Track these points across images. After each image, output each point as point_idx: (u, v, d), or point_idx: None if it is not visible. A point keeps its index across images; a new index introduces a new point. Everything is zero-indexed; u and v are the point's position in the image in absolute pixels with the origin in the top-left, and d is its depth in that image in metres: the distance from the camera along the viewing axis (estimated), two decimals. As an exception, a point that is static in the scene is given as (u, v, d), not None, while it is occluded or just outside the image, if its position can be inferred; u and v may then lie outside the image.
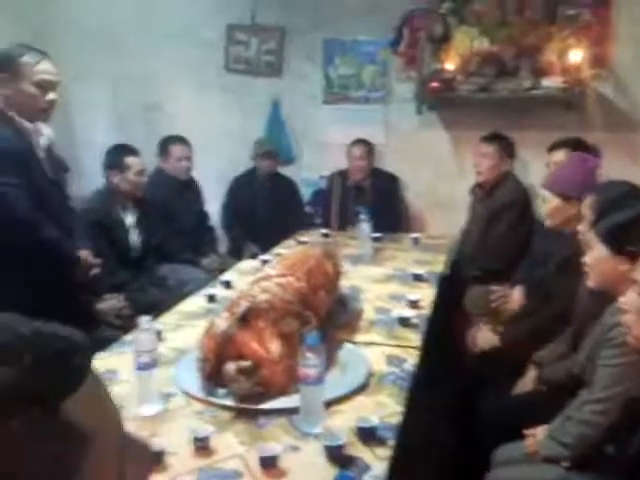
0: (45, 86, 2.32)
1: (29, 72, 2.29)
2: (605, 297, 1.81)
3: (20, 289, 2.17)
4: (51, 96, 2.34)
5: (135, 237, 3.37)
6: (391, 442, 1.51)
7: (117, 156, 3.33)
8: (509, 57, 3.97)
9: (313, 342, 1.56)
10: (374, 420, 1.55)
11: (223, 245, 4.31)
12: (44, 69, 2.33)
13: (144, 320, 1.69)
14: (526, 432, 1.91)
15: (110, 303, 2.96)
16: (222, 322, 1.79)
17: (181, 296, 2.74)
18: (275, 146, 4.25)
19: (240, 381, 1.68)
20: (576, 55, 3.73)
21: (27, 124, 2.33)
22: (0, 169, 2.19)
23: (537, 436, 1.87)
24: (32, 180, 2.28)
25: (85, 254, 2.53)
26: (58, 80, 2.39)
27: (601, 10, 3.80)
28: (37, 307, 2.02)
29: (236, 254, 3.98)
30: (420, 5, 3.98)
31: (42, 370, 0.51)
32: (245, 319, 1.77)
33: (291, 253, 2.40)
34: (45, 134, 2.42)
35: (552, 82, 3.82)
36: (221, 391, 1.72)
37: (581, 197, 2.19)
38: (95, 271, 2.57)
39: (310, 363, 1.53)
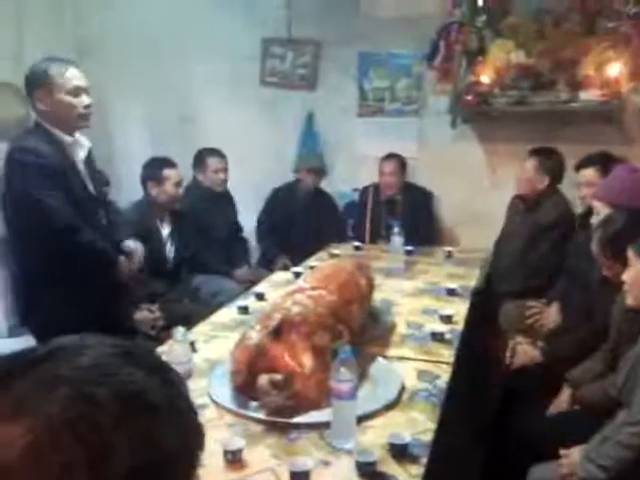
0: (78, 92, 2.37)
1: (60, 82, 2.34)
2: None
3: (63, 297, 2.21)
4: (86, 100, 2.40)
5: (170, 248, 3.42)
6: (423, 460, 1.50)
7: (155, 168, 3.39)
8: (545, 70, 3.93)
9: (346, 356, 1.56)
10: (406, 437, 1.53)
11: (255, 257, 4.34)
12: (73, 75, 2.38)
13: (179, 331, 1.71)
14: (562, 452, 1.88)
15: (145, 313, 2.99)
16: (255, 334, 1.80)
17: (214, 307, 2.77)
18: (321, 162, 4.27)
19: (272, 394, 1.68)
20: (614, 68, 3.68)
21: (67, 137, 2.38)
22: (40, 183, 2.25)
23: (573, 456, 1.84)
24: (73, 193, 2.33)
25: (132, 245, 2.58)
26: (88, 85, 2.44)
27: (636, 21, 3.74)
28: (80, 315, 2.08)
29: (268, 266, 4.01)
30: (455, 19, 3.97)
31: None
32: (278, 332, 1.77)
33: (324, 266, 2.41)
34: (85, 146, 2.47)
35: (590, 95, 3.76)
36: (253, 404, 1.72)
37: (631, 205, 2.15)
38: (138, 265, 2.61)
39: (343, 378, 1.53)
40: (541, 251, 3.34)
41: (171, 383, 0.57)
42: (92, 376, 0.51)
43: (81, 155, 2.43)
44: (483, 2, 3.95)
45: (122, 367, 0.54)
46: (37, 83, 2.35)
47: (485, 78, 3.95)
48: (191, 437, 0.56)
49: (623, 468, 1.67)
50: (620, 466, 1.67)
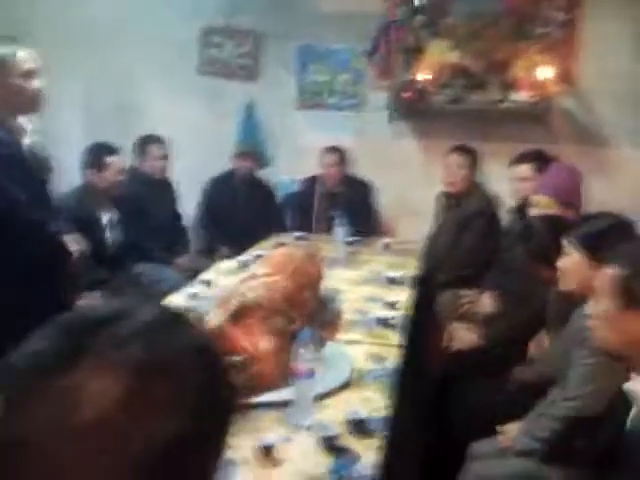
0: (29, 75, 2.27)
1: (10, 65, 2.23)
2: (573, 300, 1.92)
3: (15, 286, 2.16)
4: (37, 84, 2.29)
5: (111, 235, 3.37)
6: (379, 433, 1.58)
7: (96, 155, 3.33)
8: (479, 70, 4.11)
9: (306, 338, 1.63)
10: (363, 413, 1.62)
11: (194, 245, 4.33)
12: (24, 57, 2.27)
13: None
14: (500, 428, 2.02)
15: (87, 301, 2.95)
16: (213, 318, 1.84)
17: (156, 294, 2.76)
18: (258, 149, 4.30)
19: (232, 375, 1.72)
20: (543, 71, 3.90)
21: (15, 122, 2.30)
22: (4, 175, 2.16)
23: (510, 431, 1.98)
24: (28, 182, 2.26)
25: (70, 239, 2.53)
26: (39, 67, 2.33)
27: (568, 28, 3.97)
28: (25, 301, 2.04)
29: (208, 254, 4.01)
30: (395, 17, 4.08)
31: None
32: (236, 315, 1.82)
33: (275, 253, 2.46)
34: (28, 131, 2.39)
35: (520, 96, 3.97)
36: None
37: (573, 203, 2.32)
38: (78, 253, 2.57)
39: (304, 358, 1.60)
40: (467, 243, 3.53)
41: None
42: (160, 331, 0.57)
43: (27, 140, 2.37)
44: (422, 2, 4.09)
45: (181, 324, 0.61)
46: None
47: (422, 76, 4.10)
48: (230, 389, 0.62)
49: (555, 439, 1.81)
50: (553, 437, 1.82)
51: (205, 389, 0.57)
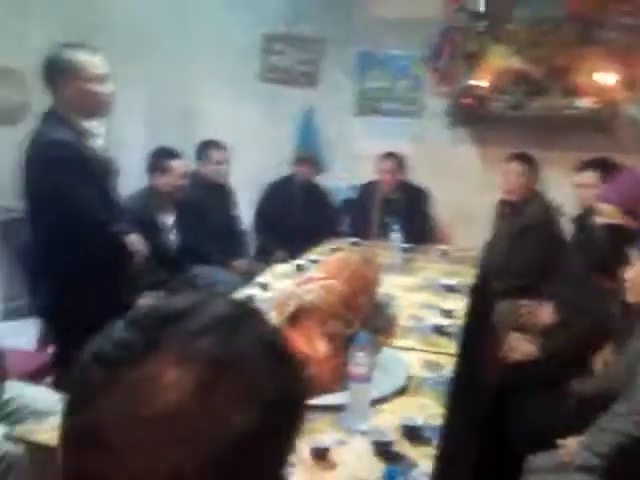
0: (103, 80, 2.37)
1: (86, 70, 2.33)
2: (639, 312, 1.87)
3: (81, 285, 2.25)
4: (108, 88, 2.39)
5: (173, 238, 3.45)
6: (435, 441, 1.57)
7: (160, 159, 3.42)
8: (541, 76, 4.04)
9: (363, 342, 1.63)
10: (419, 420, 1.61)
11: (251, 249, 4.39)
12: (99, 63, 2.37)
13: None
14: (559, 442, 1.96)
15: (149, 301, 3.03)
16: (270, 320, 1.86)
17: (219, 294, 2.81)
18: (316, 154, 4.33)
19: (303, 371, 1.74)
20: (608, 77, 3.79)
21: (87, 126, 2.39)
22: (75, 179, 2.26)
23: (570, 446, 1.92)
24: (99, 184, 2.35)
25: (133, 240, 2.60)
26: (109, 72, 2.43)
27: (635, 34, 3.86)
28: (91, 301, 2.11)
29: (264, 258, 4.06)
30: (457, 23, 4.05)
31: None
32: (294, 318, 1.83)
33: (332, 257, 2.47)
34: (100, 134, 2.48)
35: (583, 102, 3.88)
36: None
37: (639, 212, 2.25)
38: (140, 255, 2.65)
39: (360, 362, 1.60)
40: (526, 251, 3.46)
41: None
42: (233, 324, 0.58)
43: (98, 143, 2.45)
44: (484, 8, 4.05)
45: (253, 318, 0.62)
46: (61, 70, 2.33)
47: (483, 82, 4.05)
48: (301, 384, 0.63)
49: (618, 455, 1.76)
50: (615, 453, 1.76)
51: (276, 383, 0.58)
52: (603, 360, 2.26)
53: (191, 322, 0.57)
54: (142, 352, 0.54)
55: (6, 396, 2.01)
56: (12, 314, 3.87)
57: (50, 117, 2.36)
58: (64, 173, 2.24)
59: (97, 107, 2.39)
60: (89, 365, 0.55)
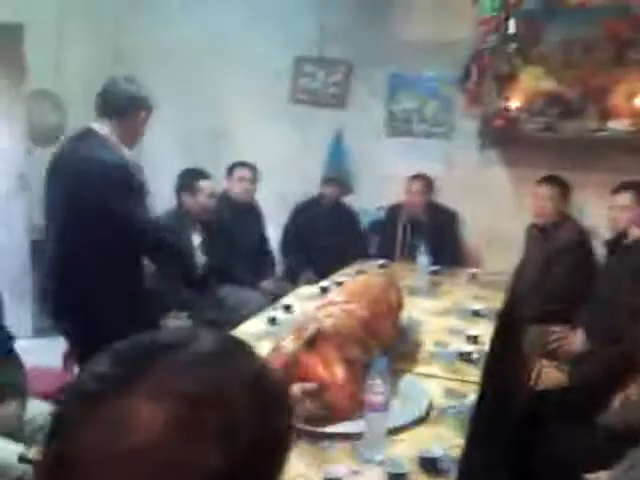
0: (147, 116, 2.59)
1: (145, 104, 2.59)
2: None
3: (116, 303, 2.31)
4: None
5: (200, 258, 3.47)
6: (453, 474, 1.52)
7: (189, 179, 3.46)
8: (575, 97, 3.97)
9: (381, 368, 1.59)
10: (438, 451, 1.56)
11: (279, 269, 4.39)
12: (151, 99, 2.61)
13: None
14: (588, 476, 1.89)
15: (174, 321, 3.05)
16: (289, 343, 1.84)
17: (240, 317, 2.81)
18: (340, 174, 4.33)
19: (305, 403, 1.72)
20: (644, 98, 3.71)
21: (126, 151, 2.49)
22: (131, 199, 2.39)
23: (598, 480, 1.85)
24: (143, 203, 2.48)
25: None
26: None
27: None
28: (118, 319, 2.15)
29: (292, 279, 4.06)
30: (488, 45, 4.02)
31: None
32: (312, 342, 1.81)
33: (355, 281, 2.45)
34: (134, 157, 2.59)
35: (618, 125, 3.80)
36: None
37: None
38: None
39: (377, 389, 1.56)
40: (557, 276, 3.39)
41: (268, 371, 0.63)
42: (215, 361, 0.58)
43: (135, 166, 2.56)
44: (515, 30, 4.01)
45: (238, 355, 0.62)
46: (133, 103, 2.54)
47: (514, 103, 4.01)
48: (285, 422, 0.62)
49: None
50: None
51: (256, 421, 0.57)
52: (624, 394, 2.18)
53: (173, 358, 0.56)
54: (121, 386, 0.54)
55: (28, 416, 2.03)
56: (42, 332, 3.93)
57: (100, 140, 2.45)
58: (127, 193, 2.37)
59: (138, 137, 2.59)
60: (69, 397, 0.55)
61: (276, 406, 0.61)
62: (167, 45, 4.69)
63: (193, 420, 0.53)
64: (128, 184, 2.38)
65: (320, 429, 1.68)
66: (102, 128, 2.47)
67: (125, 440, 0.51)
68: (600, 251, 3.46)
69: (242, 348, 0.63)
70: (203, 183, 3.45)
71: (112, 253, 2.37)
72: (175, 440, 0.52)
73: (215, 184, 3.70)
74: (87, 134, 2.48)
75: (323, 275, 3.50)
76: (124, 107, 2.50)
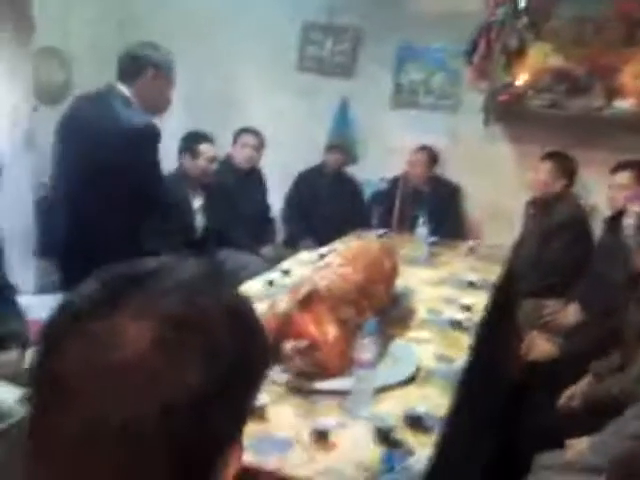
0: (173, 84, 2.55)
1: (169, 70, 2.53)
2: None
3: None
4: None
5: (200, 220, 3.51)
6: (436, 431, 1.57)
7: (191, 142, 3.48)
8: (582, 75, 3.95)
9: (371, 329, 1.64)
10: (421, 409, 1.61)
11: (279, 236, 4.43)
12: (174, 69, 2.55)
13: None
14: (568, 442, 1.95)
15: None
16: (283, 303, 1.89)
17: (238, 280, 2.84)
18: (344, 142, 4.34)
19: (296, 360, 1.76)
20: (653, 78, 3.70)
21: None
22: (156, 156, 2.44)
23: (578, 446, 1.91)
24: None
25: None
26: None
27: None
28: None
29: (292, 246, 4.09)
30: (497, 18, 4.00)
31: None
32: (305, 302, 1.85)
33: (351, 246, 2.48)
34: None
35: (625, 104, 3.79)
36: (277, 368, 1.80)
37: None
38: None
39: (366, 348, 1.61)
40: (554, 252, 3.42)
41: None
42: (199, 287, 0.61)
43: None
44: (526, 4, 3.99)
45: (220, 282, 0.64)
46: (147, 66, 2.47)
47: (521, 79, 3.99)
48: (261, 350, 0.65)
49: (627, 458, 1.73)
50: (629, 457, 1.73)
51: (235, 347, 0.60)
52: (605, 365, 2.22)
53: (156, 283, 0.59)
54: (106, 307, 0.56)
55: (28, 363, 2.08)
56: (46, 288, 3.98)
57: (122, 100, 2.43)
58: (153, 151, 2.41)
59: (162, 109, 2.57)
60: (57, 316, 0.58)
61: (255, 334, 0.64)
62: (176, 9, 4.67)
63: (176, 340, 0.56)
64: (157, 142, 2.41)
65: (310, 384, 1.73)
66: (125, 90, 2.46)
67: (107, 356, 0.54)
68: (599, 227, 3.48)
69: (223, 277, 0.66)
70: (203, 147, 3.47)
71: (123, 211, 2.39)
72: (155, 358, 0.55)
73: (219, 150, 3.71)
74: (109, 92, 2.46)
75: (323, 243, 3.53)
76: (132, 68, 2.47)
